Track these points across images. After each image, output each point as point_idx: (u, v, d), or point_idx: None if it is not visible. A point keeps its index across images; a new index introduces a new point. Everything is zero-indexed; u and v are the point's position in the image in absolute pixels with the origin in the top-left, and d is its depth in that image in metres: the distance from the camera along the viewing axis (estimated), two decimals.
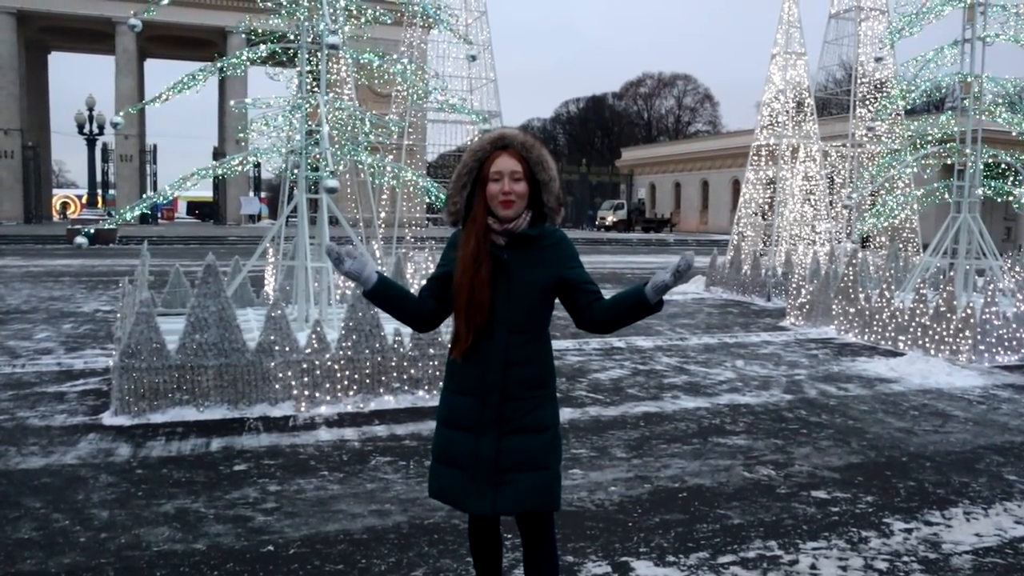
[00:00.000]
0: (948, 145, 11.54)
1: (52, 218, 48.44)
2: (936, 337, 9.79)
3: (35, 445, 5.65)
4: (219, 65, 8.00)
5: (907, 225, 16.86)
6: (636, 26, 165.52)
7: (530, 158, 2.69)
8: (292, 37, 8.43)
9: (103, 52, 46.90)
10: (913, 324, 10.14)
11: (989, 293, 9.64)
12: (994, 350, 9.53)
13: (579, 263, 2.77)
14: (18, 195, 40.75)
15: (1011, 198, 11.13)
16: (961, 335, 9.52)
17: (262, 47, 8.26)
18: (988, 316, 9.54)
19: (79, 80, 54.22)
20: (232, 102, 10.71)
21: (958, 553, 4.14)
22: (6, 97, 39.89)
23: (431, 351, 7.10)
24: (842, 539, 4.28)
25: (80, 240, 7.58)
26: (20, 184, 40.96)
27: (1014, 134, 11.11)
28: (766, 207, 17.42)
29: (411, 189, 9.48)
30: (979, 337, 9.46)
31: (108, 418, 6.30)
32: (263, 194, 49.23)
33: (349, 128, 9.04)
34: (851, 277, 11.36)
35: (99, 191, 37.09)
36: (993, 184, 11.24)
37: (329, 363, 6.80)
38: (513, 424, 2.66)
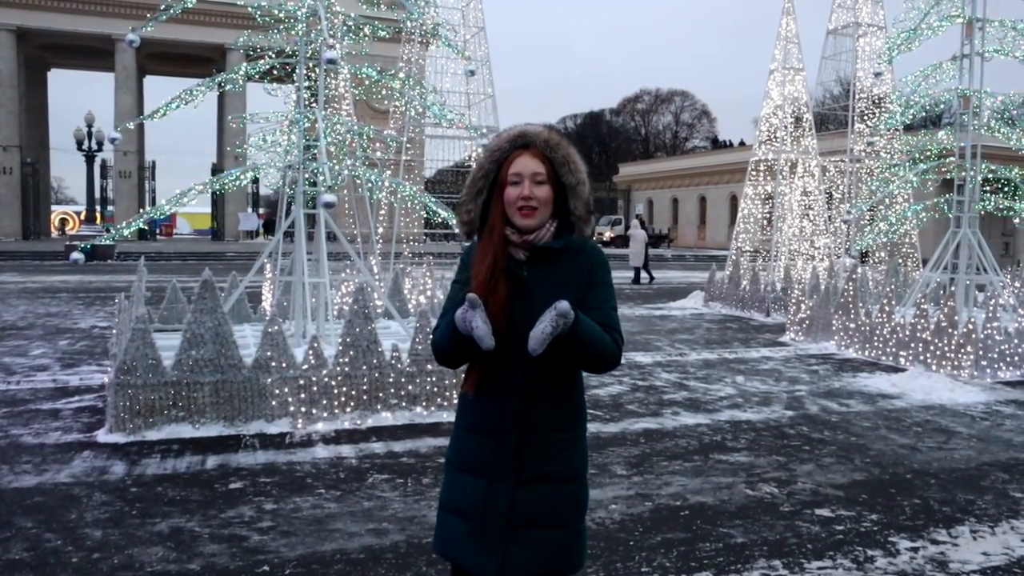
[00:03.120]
0: (947, 160, 11.53)
1: (51, 234, 48.39)
2: (938, 353, 9.73)
3: (28, 463, 5.58)
4: (217, 80, 7.99)
5: (906, 240, 16.85)
6: (630, 44, 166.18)
7: (555, 158, 2.30)
8: (291, 52, 8.42)
9: (103, 69, 46.94)
10: (914, 340, 10.09)
11: (990, 308, 9.60)
12: (996, 366, 9.48)
13: (608, 283, 2.33)
14: (16, 211, 40.68)
15: (1011, 213, 11.11)
16: (963, 351, 9.47)
17: (261, 62, 8.25)
18: (990, 331, 9.50)
19: (79, 97, 54.30)
20: (231, 117, 10.70)
21: (966, 573, 4.08)
22: (5, 114, 39.91)
23: (429, 367, 7.04)
24: (847, 558, 4.21)
25: (77, 256, 7.53)
26: (18, 200, 40.90)
27: (1013, 149, 11.10)
28: (765, 222, 17.41)
29: (409, 204, 9.44)
30: (981, 353, 9.41)
31: (103, 435, 6.23)
32: (261, 210, 49.15)
33: (347, 143, 9.02)
34: (851, 292, 11.32)
35: (98, 207, 37.05)
36: (993, 199, 11.23)
37: (326, 379, 6.74)
38: (533, 471, 2.27)
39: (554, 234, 2.31)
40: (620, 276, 24.83)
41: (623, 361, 10.21)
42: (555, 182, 2.31)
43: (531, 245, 2.29)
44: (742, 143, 64.53)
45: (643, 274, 24.52)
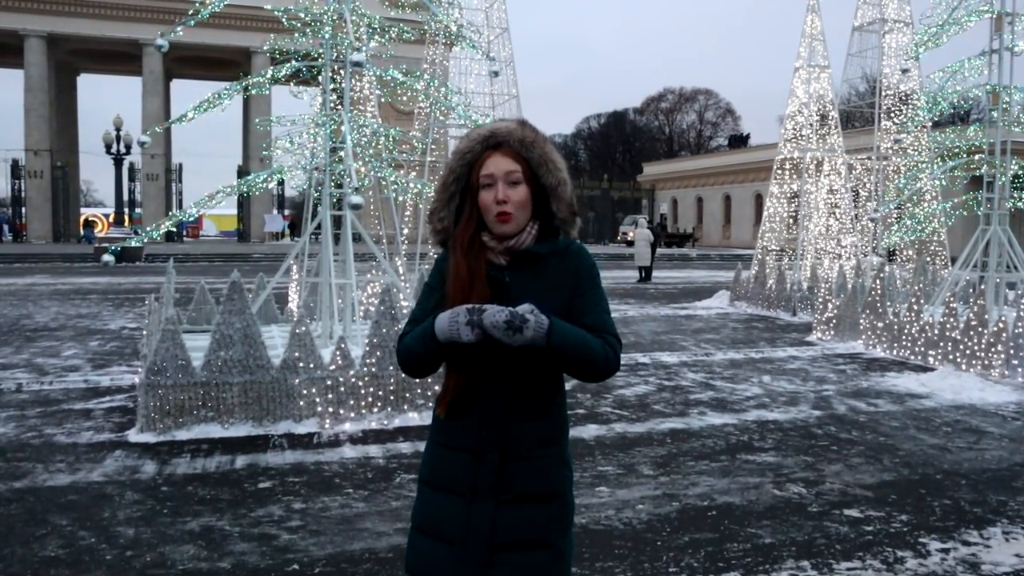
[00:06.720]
0: (976, 157, 11.39)
1: (80, 237, 49.09)
2: (967, 352, 9.61)
3: (62, 462, 5.67)
4: (244, 84, 8.07)
5: (935, 238, 16.66)
6: (651, 42, 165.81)
7: (531, 158, 2.11)
8: (316, 55, 8.49)
9: (131, 73, 47.58)
10: (943, 339, 9.98)
11: (1021, 306, 9.46)
12: None
13: (596, 286, 2.16)
14: (47, 214, 41.39)
15: None
16: (993, 349, 9.34)
17: (286, 66, 8.33)
18: (1021, 330, 9.36)
19: (107, 101, 55.12)
20: (257, 120, 10.81)
21: (998, 574, 4.03)
22: (36, 119, 40.59)
23: None
24: (877, 559, 4.18)
25: (108, 258, 7.65)
26: (49, 203, 41.60)
27: None
28: (790, 221, 17.29)
29: None
30: (1012, 351, 9.27)
31: (134, 435, 6.32)
32: (286, 211, 49.54)
33: (372, 145, 9.08)
34: (879, 291, 11.21)
35: (126, 210, 37.54)
36: (1023, 195, 11.09)
37: (353, 380, 6.79)
38: (515, 490, 2.10)
39: (536, 237, 2.14)
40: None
41: (648, 360, 10.22)
42: (533, 182, 2.13)
43: (512, 250, 2.12)
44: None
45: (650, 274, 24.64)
